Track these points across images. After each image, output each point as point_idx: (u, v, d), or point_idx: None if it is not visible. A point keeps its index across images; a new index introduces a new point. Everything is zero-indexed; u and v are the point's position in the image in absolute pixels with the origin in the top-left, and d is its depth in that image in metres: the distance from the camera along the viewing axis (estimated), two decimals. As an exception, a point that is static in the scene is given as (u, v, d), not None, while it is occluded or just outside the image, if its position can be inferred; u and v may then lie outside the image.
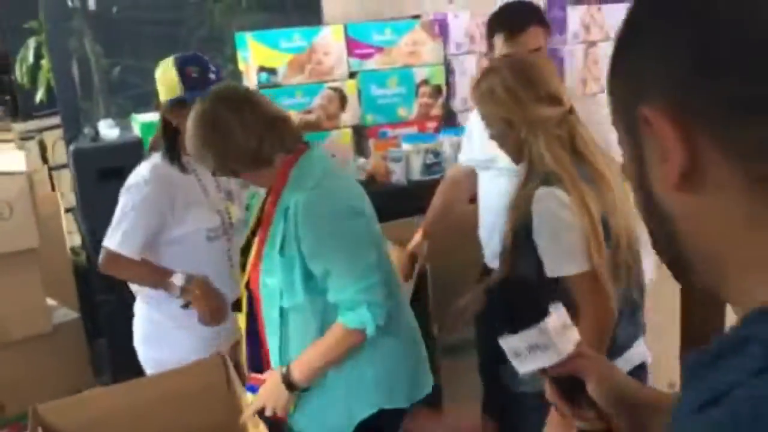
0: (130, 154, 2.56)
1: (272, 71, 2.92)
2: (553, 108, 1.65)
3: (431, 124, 3.19)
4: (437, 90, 3.18)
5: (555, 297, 1.14)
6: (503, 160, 1.88)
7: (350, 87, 3.04)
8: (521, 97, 1.64)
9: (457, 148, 2.68)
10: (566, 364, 1.00)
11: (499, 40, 2.18)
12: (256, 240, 1.78)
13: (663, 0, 0.55)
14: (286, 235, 1.66)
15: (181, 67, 2.00)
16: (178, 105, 1.97)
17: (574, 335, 1.03)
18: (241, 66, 3.05)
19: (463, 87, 3.17)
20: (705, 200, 0.53)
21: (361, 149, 3.13)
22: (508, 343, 1.05)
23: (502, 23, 2.20)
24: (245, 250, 1.84)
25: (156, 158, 2.06)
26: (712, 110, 0.51)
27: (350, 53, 3.04)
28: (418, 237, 2.42)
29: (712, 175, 0.52)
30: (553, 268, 1.65)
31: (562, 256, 1.63)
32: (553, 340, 1.01)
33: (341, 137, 3.04)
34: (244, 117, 1.65)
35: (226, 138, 1.64)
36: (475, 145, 2.29)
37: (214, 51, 4.30)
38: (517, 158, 1.73)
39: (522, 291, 1.71)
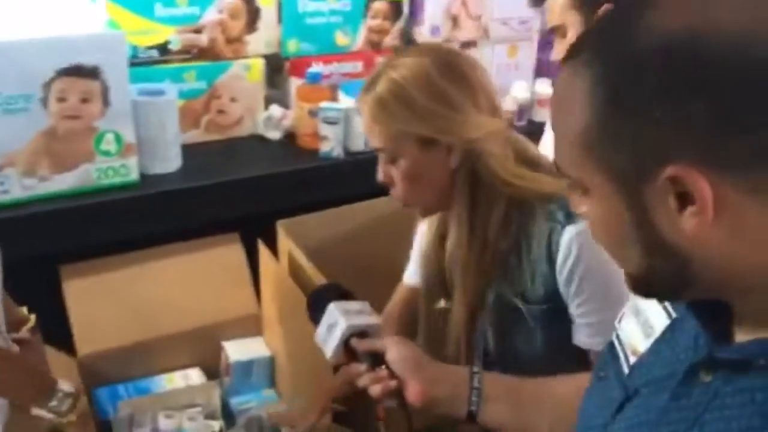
0: None
1: (138, -40, 1.79)
2: (497, 121, 1.19)
3: (382, 60, 2.16)
4: (396, 7, 2.13)
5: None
6: None
7: (266, -6, 1.96)
8: (456, 102, 1.15)
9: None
10: (369, 342, 1.13)
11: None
12: None
13: (675, 74, 0.57)
14: None
15: None
16: None
17: (367, 318, 1.18)
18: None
19: (437, 5, 2.14)
20: (730, 230, 0.59)
21: (276, 92, 2.08)
22: (318, 336, 1.20)
23: None
24: None
25: None
26: (735, 159, 0.56)
27: (268, -62, 1.93)
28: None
29: (733, 210, 0.58)
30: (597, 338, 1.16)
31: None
32: (342, 316, 1.16)
33: (247, 72, 1.97)
34: None
35: None
36: None
37: None
38: (437, 202, 1.24)
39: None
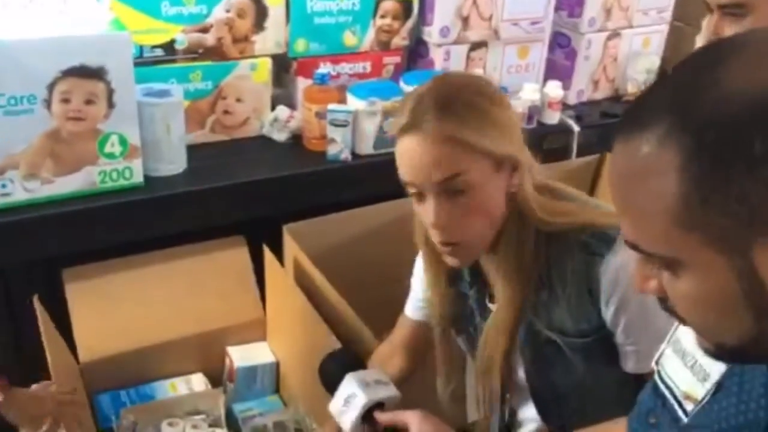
0: None
1: (145, -42, 1.75)
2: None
3: (390, 60, 2.13)
4: (405, 7, 2.10)
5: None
6: None
7: (274, -7, 1.92)
8: (513, 120, 1.11)
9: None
10: (392, 415, 1.12)
11: None
12: None
13: None
14: None
15: None
16: None
17: (385, 388, 1.17)
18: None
19: (447, 5, 2.10)
20: None
21: (283, 93, 2.05)
22: (334, 406, 1.18)
23: None
24: None
25: None
26: None
27: (277, -63, 1.89)
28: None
29: None
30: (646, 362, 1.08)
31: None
32: (360, 389, 1.15)
33: (254, 72, 1.94)
34: None
35: None
36: None
37: None
38: (487, 242, 1.14)
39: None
